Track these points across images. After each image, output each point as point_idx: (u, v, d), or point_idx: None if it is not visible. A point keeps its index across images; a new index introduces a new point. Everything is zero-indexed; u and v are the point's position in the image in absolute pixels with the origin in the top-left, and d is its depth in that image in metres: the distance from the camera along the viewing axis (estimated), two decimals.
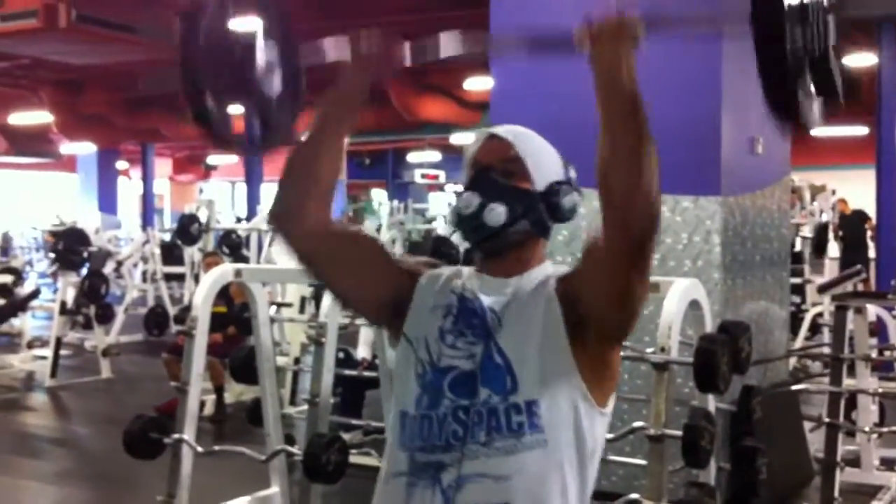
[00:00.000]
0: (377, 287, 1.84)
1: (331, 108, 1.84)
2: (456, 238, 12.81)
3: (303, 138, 1.83)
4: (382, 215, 15.58)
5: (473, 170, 1.80)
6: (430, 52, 1.83)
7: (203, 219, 10.68)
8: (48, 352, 9.50)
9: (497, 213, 1.73)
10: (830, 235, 11.81)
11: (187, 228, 10.41)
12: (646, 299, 1.72)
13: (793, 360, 6.92)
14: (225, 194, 28.77)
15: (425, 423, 1.73)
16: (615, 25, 1.61)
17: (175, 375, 7.08)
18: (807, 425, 6.01)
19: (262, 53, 1.91)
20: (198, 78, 1.88)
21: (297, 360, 7.36)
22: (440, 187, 26.73)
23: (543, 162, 1.79)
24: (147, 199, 22.45)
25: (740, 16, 1.61)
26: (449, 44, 1.87)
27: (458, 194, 1.80)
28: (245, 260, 10.77)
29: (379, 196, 26.80)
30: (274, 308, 5.28)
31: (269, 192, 19.61)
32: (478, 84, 13.23)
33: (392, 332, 1.86)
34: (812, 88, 1.62)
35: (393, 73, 1.84)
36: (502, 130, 1.81)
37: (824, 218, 12.36)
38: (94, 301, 9.58)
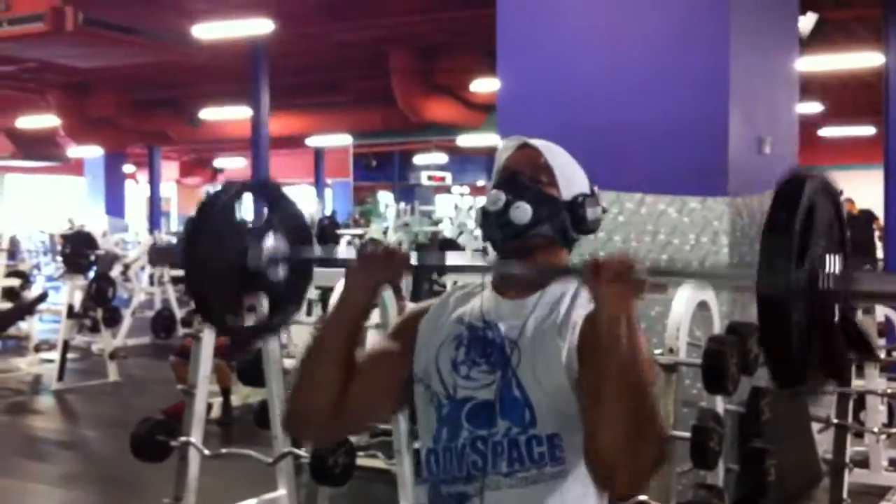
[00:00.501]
0: (403, 390, 1.83)
1: (338, 320, 1.80)
2: (462, 239, 12.81)
3: (310, 350, 1.82)
4: (389, 217, 15.56)
5: (503, 174, 1.81)
6: (435, 264, 1.85)
7: None
8: (55, 355, 9.51)
9: (523, 210, 1.74)
10: None
11: None
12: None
13: None
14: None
15: (446, 455, 1.73)
16: (618, 267, 1.56)
17: (182, 378, 7.07)
18: (815, 426, 5.99)
19: (269, 244, 1.90)
20: (203, 278, 1.87)
21: (305, 351, 7.35)
22: (447, 189, 26.75)
23: (571, 174, 1.81)
24: (154, 203, 22.50)
25: (747, 280, 1.57)
26: (456, 261, 1.89)
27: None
28: None
29: (385, 198, 26.81)
30: None
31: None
32: (484, 86, 13.22)
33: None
34: (818, 359, 1.58)
35: (398, 278, 1.81)
36: (534, 141, 1.83)
37: None
38: (101, 304, 9.58)
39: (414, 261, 1.81)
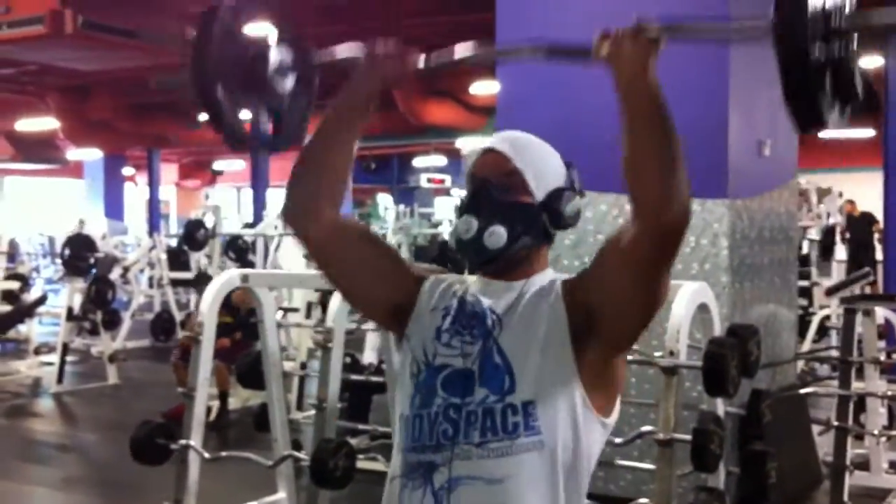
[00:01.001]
0: (386, 288, 1.83)
1: (343, 105, 1.83)
2: None
3: (314, 133, 1.83)
4: (388, 220, 15.56)
5: (472, 185, 1.78)
6: (444, 59, 1.82)
7: (209, 224, 10.69)
8: (55, 358, 9.51)
9: (497, 235, 1.71)
10: (837, 238, 11.77)
11: (194, 234, 10.42)
12: (664, 303, 1.70)
13: (800, 364, 6.90)
14: (231, 200, 28.82)
15: (417, 422, 1.72)
16: (635, 32, 1.60)
17: (183, 380, 7.09)
18: (815, 429, 5.99)
19: (275, 53, 1.90)
20: (210, 77, 1.87)
21: (303, 366, 7.34)
22: (446, 192, 26.73)
23: (543, 170, 1.76)
24: (153, 205, 22.49)
25: (761, 23, 1.59)
26: (462, 52, 1.86)
27: (458, 213, 1.79)
28: (251, 265, 10.77)
29: (384, 201, 26.81)
30: (281, 313, 5.28)
31: (275, 197, 19.62)
32: (484, 88, 13.22)
33: (396, 335, 1.85)
34: (833, 93, 1.62)
35: (406, 77, 1.82)
36: (499, 142, 1.79)
37: (831, 220, 12.33)
38: (100, 307, 9.58)
39: (422, 64, 1.82)
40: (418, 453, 1.70)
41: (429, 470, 1.68)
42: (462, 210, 1.77)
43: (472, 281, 1.82)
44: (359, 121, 1.83)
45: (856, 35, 1.62)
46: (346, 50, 1.87)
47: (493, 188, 1.74)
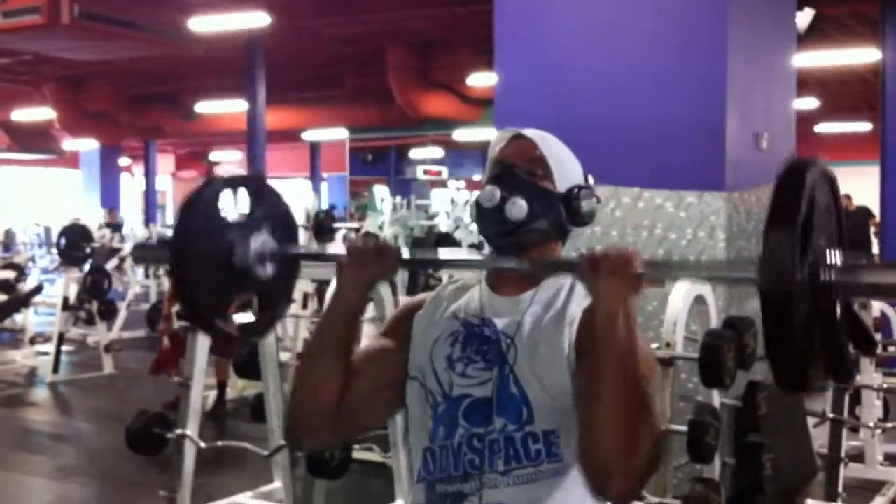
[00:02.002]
0: (399, 382, 1.79)
1: (332, 313, 1.77)
2: (458, 234, 12.78)
3: (307, 348, 1.81)
4: (385, 212, 15.53)
5: (498, 167, 1.78)
6: (427, 259, 1.80)
7: None
8: (51, 347, 9.50)
9: (519, 206, 1.70)
10: None
11: None
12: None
13: None
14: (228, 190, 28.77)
15: (442, 453, 1.71)
16: (615, 261, 1.54)
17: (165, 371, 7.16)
18: (811, 420, 5.99)
19: (255, 243, 1.85)
20: (192, 286, 1.84)
21: (299, 356, 7.35)
22: (443, 183, 26.71)
23: (566, 166, 1.78)
24: (149, 196, 22.48)
25: (746, 276, 1.54)
26: (449, 256, 1.85)
27: (482, 187, 1.77)
28: None
29: (381, 192, 26.78)
30: None
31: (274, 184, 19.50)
32: (481, 80, 13.22)
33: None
34: (820, 354, 1.54)
35: (388, 276, 1.77)
36: (528, 131, 1.80)
37: None
38: (96, 297, 9.58)
39: (406, 256, 1.77)
40: (446, 484, 1.69)
41: (457, 500, 1.68)
42: (486, 183, 1.76)
43: (474, 294, 1.79)
44: (352, 329, 1.76)
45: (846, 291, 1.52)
46: (328, 251, 1.85)
47: (519, 170, 1.75)
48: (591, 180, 1.82)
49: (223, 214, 1.84)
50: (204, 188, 1.87)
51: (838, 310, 1.51)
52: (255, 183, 1.92)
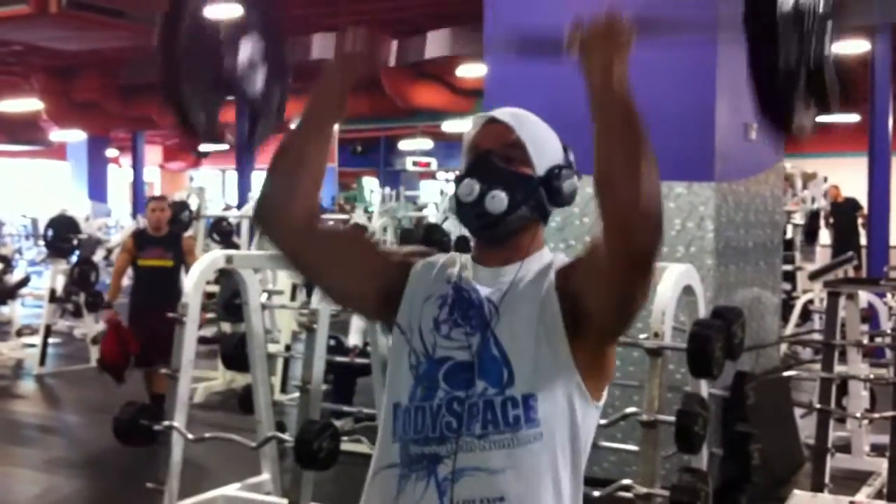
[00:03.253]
0: (369, 280, 1.81)
1: (315, 105, 1.80)
2: (448, 225, 12.77)
3: (286, 135, 1.80)
4: (374, 203, 15.54)
5: (473, 154, 1.77)
6: (416, 52, 1.79)
7: (193, 206, 10.64)
8: (37, 340, 9.47)
9: (499, 199, 1.70)
10: (822, 223, 11.80)
11: (178, 216, 10.36)
12: (644, 304, 1.69)
13: (783, 347, 6.93)
14: (215, 182, 28.68)
15: (419, 414, 1.70)
16: (605, 29, 1.57)
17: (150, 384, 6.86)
18: (798, 411, 6.02)
19: (247, 48, 1.82)
20: (177, 75, 1.80)
21: (288, 348, 7.35)
22: (432, 175, 26.70)
23: (544, 146, 1.77)
24: (137, 187, 22.39)
25: (734, 21, 1.55)
26: (437, 43, 1.83)
27: (458, 180, 1.76)
28: (236, 247, 10.72)
29: (370, 184, 26.75)
30: (265, 295, 5.26)
31: (259, 179, 19.49)
32: (471, 71, 13.18)
33: (385, 323, 1.84)
34: (805, 96, 1.55)
35: (377, 70, 1.79)
36: (502, 114, 1.78)
37: (816, 205, 12.37)
38: (83, 289, 9.54)
39: (394, 55, 1.78)
40: (422, 445, 1.69)
41: (433, 461, 1.67)
42: (462, 175, 1.76)
43: (462, 263, 1.80)
44: (332, 119, 1.82)
45: (829, 32, 1.56)
46: (317, 44, 1.83)
47: (496, 157, 1.74)
48: (571, 156, 1.81)
49: (210, 19, 1.82)
50: None
51: (826, 49, 1.54)
52: None
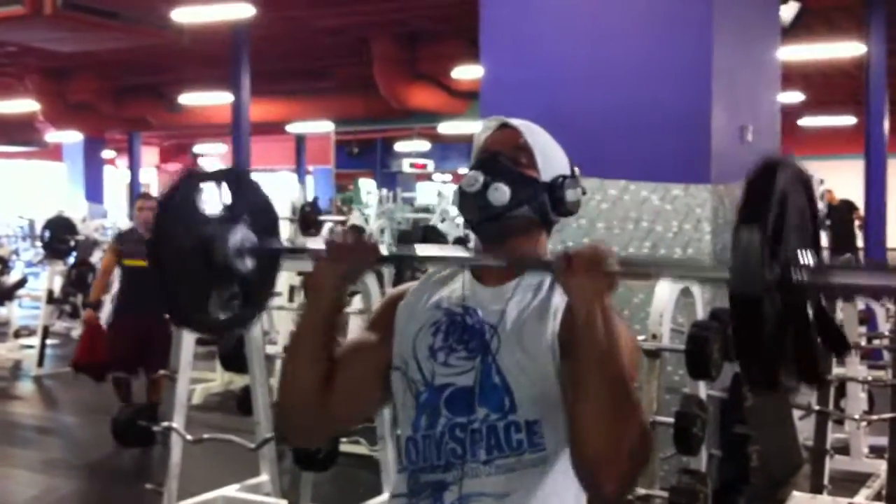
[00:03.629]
0: (383, 378, 1.80)
1: (311, 312, 1.78)
2: (444, 226, 12.78)
3: (289, 352, 1.82)
4: (370, 205, 15.51)
5: (482, 154, 1.78)
6: (405, 252, 1.80)
7: None
8: (35, 341, 9.47)
9: (501, 192, 1.70)
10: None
11: None
12: None
13: None
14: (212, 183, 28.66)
15: (424, 443, 1.71)
16: (590, 259, 1.54)
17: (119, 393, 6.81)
18: (796, 413, 6.02)
19: (234, 239, 1.83)
20: (171, 277, 1.82)
21: (286, 349, 7.34)
22: (428, 177, 26.70)
23: (551, 155, 1.78)
24: (134, 188, 22.34)
25: (718, 275, 1.53)
26: (427, 252, 1.86)
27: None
28: None
29: (366, 185, 26.74)
30: None
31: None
32: (467, 73, 13.19)
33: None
34: (792, 365, 1.53)
35: (368, 268, 1.79)
36: (514, 121, 1.80)
37: None
38: (81, 290, 9.54)
39: (384, 251, 1.76)
40: (427, 473, 1.69)
41: (438, 489, 1.68)
42: (469, 169, 1.77)
43: (458, 284, 1.79)
44: (332, 322, 1.77)
45: (817, 293, 1.52)
46: (308, 243, 1.84)
47: (504, 158, 1.75)
48: (577, 172, 1.82)
49: (202, 208, 1.83)
50: (181, 182, 1.85)
51: (810, 311, 1.50)
52: (233, 176, 1.90)
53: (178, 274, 1.79)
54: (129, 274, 6.79)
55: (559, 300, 1.70)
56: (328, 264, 1.73)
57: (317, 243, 1.80)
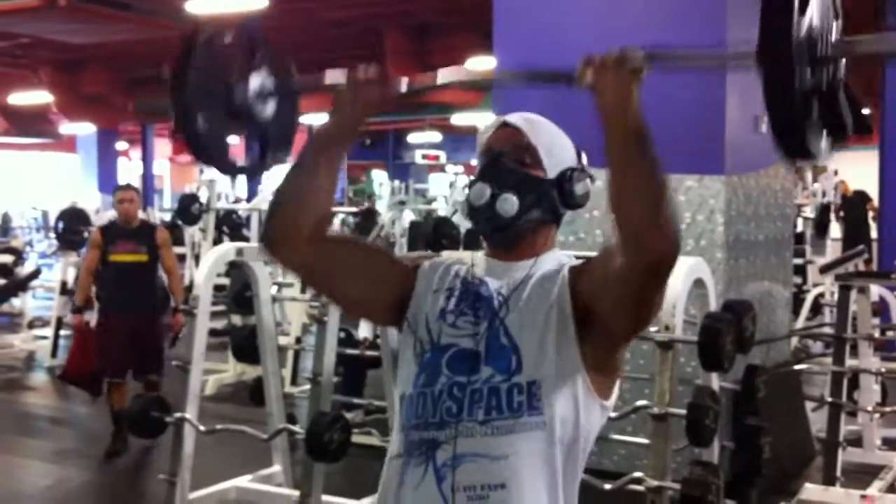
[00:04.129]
0: (378, 287, 1.84)
1: (327, 134, 1.82)
2: (457, 218, 12.78)
3: (298, 155, 1.82)
4: (383, 196, 15.53)
5: (486, 158, 1.79)
6: (426, 83, 1.82)
7: (203, 199, 10.65)
8: (49, 332, 9.50)
9: (510, 203, 1.72)
10: (832, 216, 11.75)
11: (188, 208, 10.36)
12: (658, 311, 1.71)
13: (794, 340, 6.92)
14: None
15: (420, 400, 1.72)
16: (618, 59, 1.58)
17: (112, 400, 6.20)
18: (809, 405, 6.00)
19: (255, 80, 1.86)
20: (190, 107, 1.84)
21: (298, 340, 7.35)
22: (441, 168, 26.72)
23: (556, 149, 1.79)
24: (147, 180, 22.43)
25: (746, 51, 1.57)
26: (444, 77, 1.86)
27: (471, 184, 1.78)
28: (246, 240, 10.74)
29: (379, 177, 26.76)
30: (275, 287, 5.27)
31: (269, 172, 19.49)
32: (480, 64, 13.16)
33: (395, 326, 1.85)
34: (820, 125, 1.57)
35: (388, 102, 1.82)
36: (515, 118, 1.80)
37: (826, 199, 12.33)
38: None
39: (405, 87, 1.81)
40: (421, 431, 1.71)
41: (431, 447, 1.69)
42: (475, 179, 1.78)
43: (475, 261, 1.82)
44: (343, 147, 1.85)
45: (843, 62, 1.57)
46: (329, 77, 1.86)
47: (508, 160, 1.76)
48: (584, 158, 1.82)
49: (220, 58, 1.88)
50: (196, 35, 1.89)
51: (839, 77, 1.56)
52: (248, 30, 1.95)
53: (199, 112, 1.83)
54: (115, 270, 6.27)
55: (572, 280, 1.72)
56: (348, 92, 1.80)
57: (337, 77, 1.84)
